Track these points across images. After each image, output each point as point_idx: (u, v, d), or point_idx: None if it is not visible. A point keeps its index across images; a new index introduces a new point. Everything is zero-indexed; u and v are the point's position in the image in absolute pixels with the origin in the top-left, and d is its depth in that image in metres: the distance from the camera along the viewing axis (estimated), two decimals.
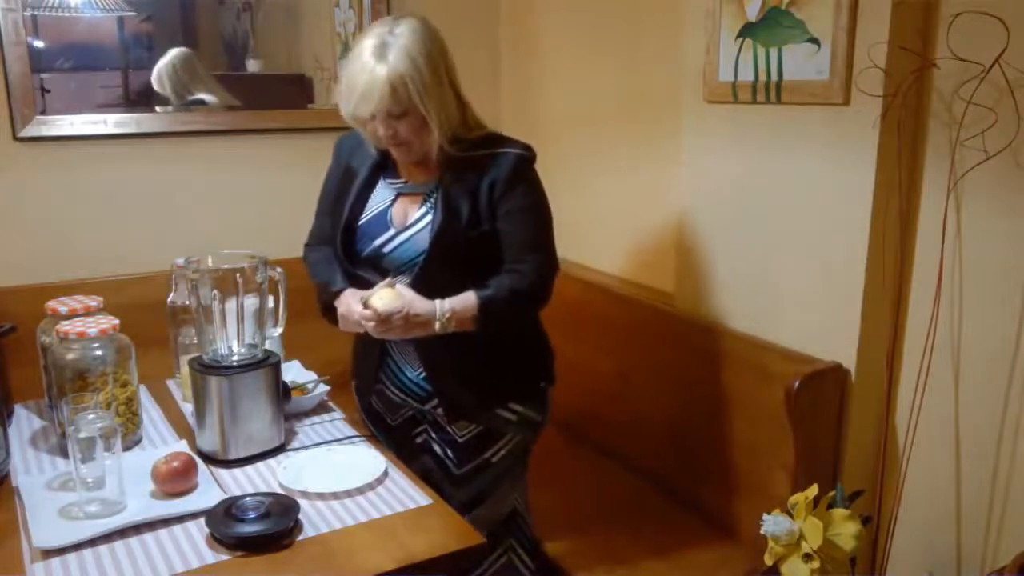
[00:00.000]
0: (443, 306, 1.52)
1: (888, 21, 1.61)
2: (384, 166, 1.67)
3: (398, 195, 1.65)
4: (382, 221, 1.63)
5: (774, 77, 1.83)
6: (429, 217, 1.58)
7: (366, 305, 1.52)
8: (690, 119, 2.09)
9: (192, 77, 2.56)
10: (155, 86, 2.51)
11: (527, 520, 1.80)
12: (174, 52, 2.52)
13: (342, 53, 2.77)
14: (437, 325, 1.52)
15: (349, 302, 1.56)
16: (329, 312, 1.64)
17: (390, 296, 1.52)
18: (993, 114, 1.54)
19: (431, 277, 1.56)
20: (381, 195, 1.66)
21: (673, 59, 2.19)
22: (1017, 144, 1.52)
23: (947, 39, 1.58)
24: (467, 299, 1.53)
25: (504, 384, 1.67)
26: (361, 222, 1.65)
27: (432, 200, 1.59)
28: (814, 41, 1.74)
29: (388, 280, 1.55)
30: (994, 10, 1.50)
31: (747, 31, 1.88)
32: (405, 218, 1.62)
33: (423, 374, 1.66)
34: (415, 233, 1.59)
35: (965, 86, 1.57)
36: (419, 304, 1.52)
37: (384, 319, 1.49)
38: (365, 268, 1.64)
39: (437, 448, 1.70)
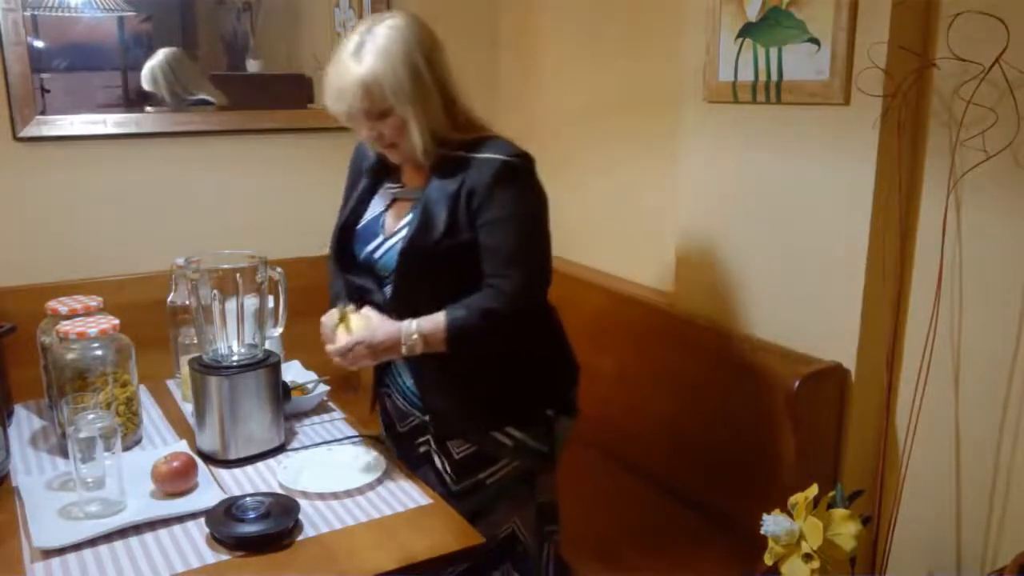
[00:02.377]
0: (410, 327, 1.47)
1: (888, 21, 1.61)
2: (387, 170, 1.65)
3: (394, 200, 1.62)
4: (375, 226, 1.62)
5: (774, 77, 1.84)
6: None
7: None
8: (690, 119, 2.09)
9: (190, 76, 2.56)
10: (147, 86, 2.50)
11: (528, 547, 1.69)
12: (167, 51, 2.51)
13: None
14: (404, 349, 1.47)
15: (329, 314, 1.54)
16: None
17: (356, 322, 1.49)
18: (993, 114, 1.54)
19: (407, 290, 1.52)
20: (380, 200, 1.65)
21: (673, 59, 2.19)
22: (1017, 144, 1.53)
23: (947, 39, 1.59)
24: (437, 320, 1.47)
25: (502, 406, 1.60)
26: (359, 226, 1.64)
27: (417, 208, 1.54)
28: (814, 41, 1.74)
29: (350, 307, 1.52)
30: (994, 10, 1.50)
31: (747, 31, 1.88)
32: (395, 224, 1.59)
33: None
34: (397, 241, 1.55)
35: (965, 86, 1.57)
36: (382, 331, 1.47)
37: (345, 352, 1.47)
38: (362, 275, 1.62)
39: (437, 461, 1.66)
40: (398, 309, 1.53)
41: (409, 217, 1.55)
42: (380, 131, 1.49)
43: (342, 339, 1.48)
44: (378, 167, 1.65)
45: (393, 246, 1.56)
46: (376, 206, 1.64)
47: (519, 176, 1.49)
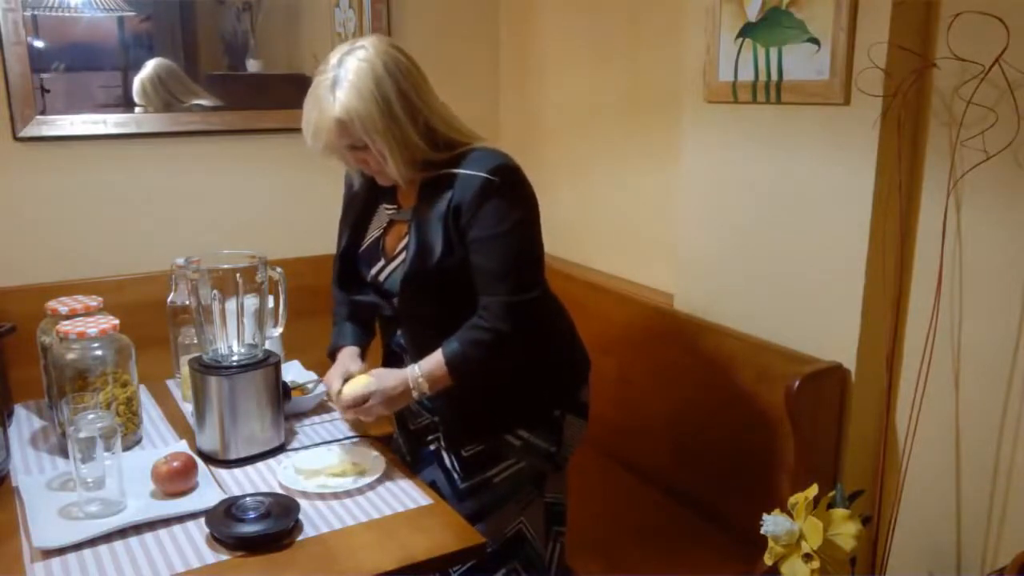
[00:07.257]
0: (414, 371, 1.52)
1: (888, 21, 1.61)
2: (381, 189, 1.65)
3: (391, 222, 1.63)
4: (376, 249, 1.64)
5: (774, 77, 1.84)
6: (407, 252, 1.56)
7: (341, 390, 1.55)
8: (690, 119, 2.09)
9: (181, 86, 2.55)
10: (137, 99, 2.49)
11: (535, 547, 1.69)
12: (156, 62, 2.51)
13: None
14: (415, 393, 1.52)
15: (332, 376, 1.59)
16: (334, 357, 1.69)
17: (362, 379, 1.54)
18: (993, 114, 1.54)
19: (414, 314, 1.57)
20: (377, 221, 1.66)
21: (673, 59, 2.20)
22: (1017, 144, 1.53)
23: (947, 39, 1.59)
24: (436, 359, 1.51)
25: (510, 410, 1.62)
26: (361, 249, 1.66)
27: (411, 232, 1.55)
28: (814, 41, 1.74)
29: (358, 370, 1.58)
30: (994, 10, 1.50)
31: (747, 31, 1.88)
32: (395, 246, 1.61)
33: None
34: (398, 265, 1.57)
35: (965, 86, 1.57)
36: (391, 377, 1.53)
37: (353, 405, 1.52)
38: (370, 292, 1.64)
39: (446, 459, 1.67)
40: (406, 324, 1.59)
41: (405, 241, 1.57)
42: (364, 159, 1.51)
43: (353, 390, 1.52)
44: (371, 189, 1.66)
45: (395, 269, 1.58)
46: (374, 229, 1.66)
47: (501, 191, 1.48)
